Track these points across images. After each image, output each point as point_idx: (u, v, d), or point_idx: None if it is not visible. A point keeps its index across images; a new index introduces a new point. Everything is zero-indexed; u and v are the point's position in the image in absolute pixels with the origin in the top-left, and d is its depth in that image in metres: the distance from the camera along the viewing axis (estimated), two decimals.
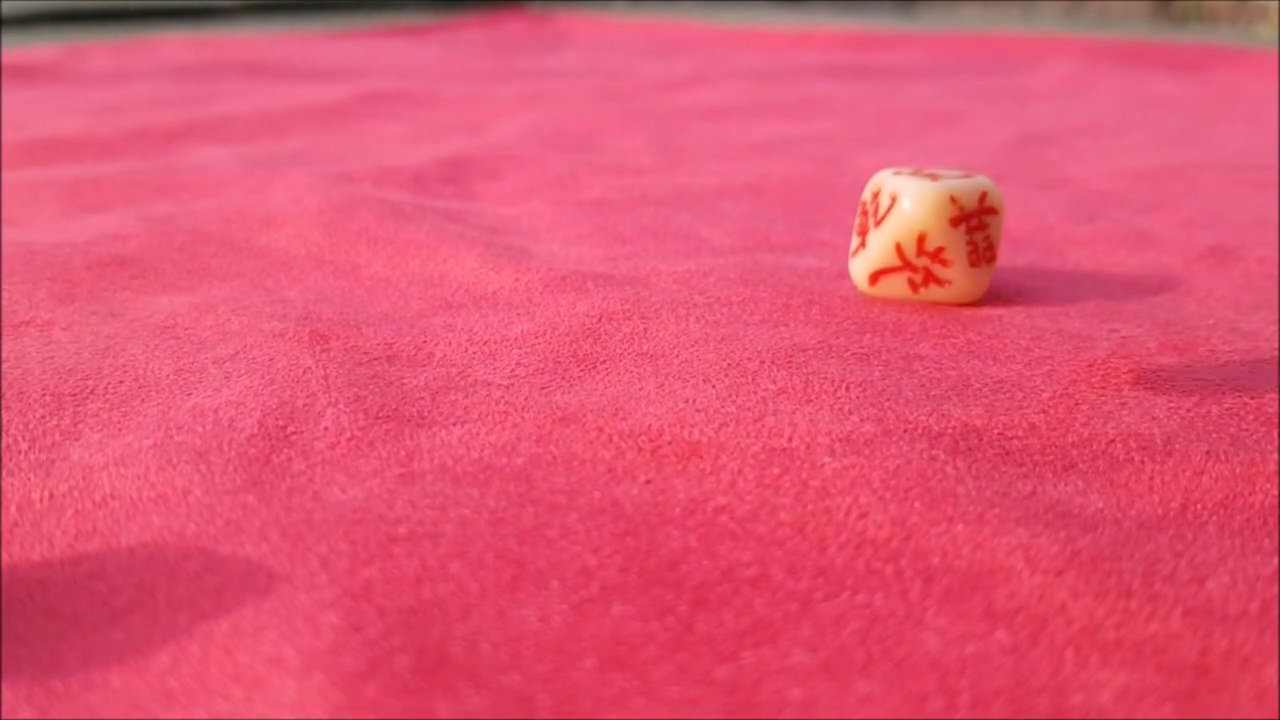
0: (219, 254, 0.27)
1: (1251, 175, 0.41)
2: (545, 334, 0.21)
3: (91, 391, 0.19)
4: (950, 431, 0.17)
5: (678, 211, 0.32)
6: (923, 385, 0.19)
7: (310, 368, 0.20)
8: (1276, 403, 0.18)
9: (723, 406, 0.18)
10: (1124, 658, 0.12)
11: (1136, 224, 0.32)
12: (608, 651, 0.12)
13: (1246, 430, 0.18)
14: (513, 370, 0.20)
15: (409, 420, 0.18)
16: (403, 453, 0.17)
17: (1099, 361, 0.20)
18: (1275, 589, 0.13)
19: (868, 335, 0.21)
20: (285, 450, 0.17)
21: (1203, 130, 0.52)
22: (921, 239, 0.23)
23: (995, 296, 0.25)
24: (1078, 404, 0.18)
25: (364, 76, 0.63)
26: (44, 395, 0.19)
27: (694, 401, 0.18)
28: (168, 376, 0.20)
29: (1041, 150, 0.45)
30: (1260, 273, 0.27)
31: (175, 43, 0.79)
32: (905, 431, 0.17)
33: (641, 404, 0.18)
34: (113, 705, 0.12)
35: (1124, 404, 0.18)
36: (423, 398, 0.19)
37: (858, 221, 0.24)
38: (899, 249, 0.23)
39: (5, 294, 0.24)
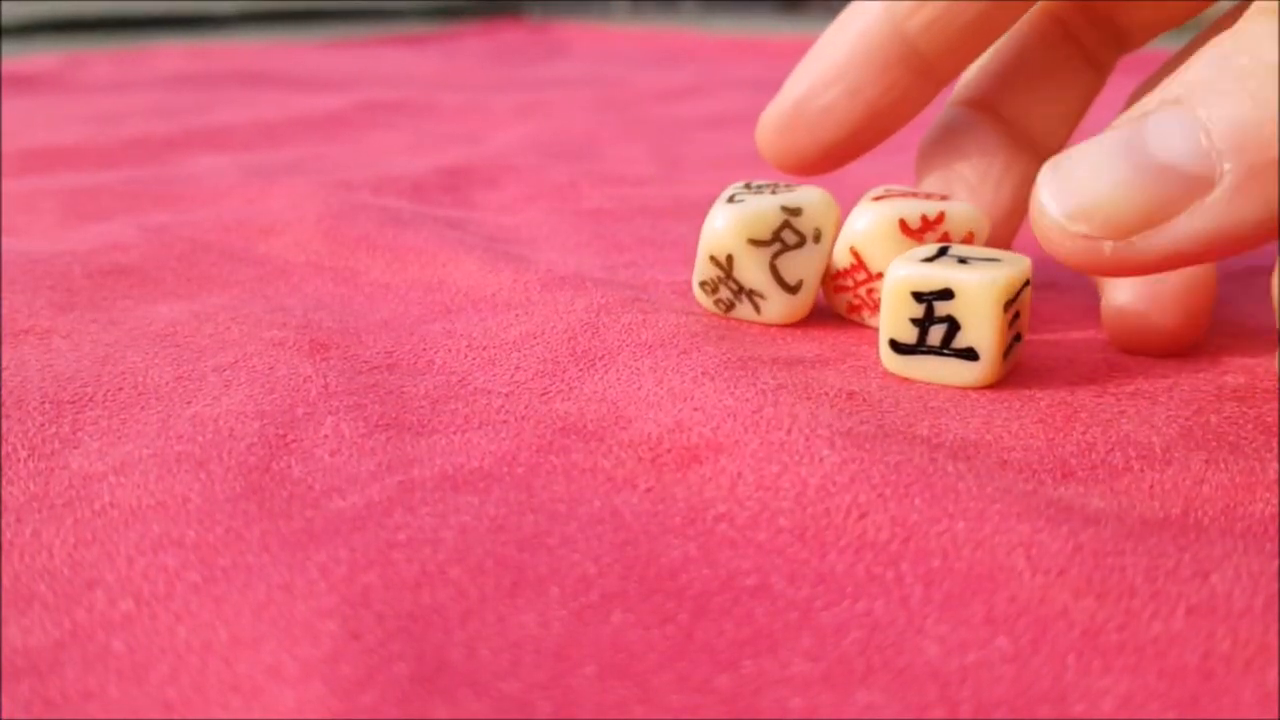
0: (218, 262, 0.27)
1: None
2: (543, 332, 0.21)
3: (91, 399, 0.19)
4: (949, 442, 0.17)
5: (677, 222, 0.32)
6: (920, 396, 0.19)
7: (310, 376, 0.20)
8: (1276, 410, 0.18)
9: (722, 400, 0.18)
10: (1126, 662, 0.12)
11: None
12: (608, 659, 0.12)
13: (1246, 438, 0.18)
14: (512, 376, 0.20)
15: (409, 428, 0.18)
16: (403, 460, 0.17)
17: (1097, 369, 0.20)
18: (1279, 586, 0.13)
19: (864, 347, 0.21)
20: (285, 458, 0.17)
21: None
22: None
23: None
24: (1076, 412, 0.18)
25: (362, 86, 0.63)
26: (43, 403, 0.19)
27: (693, 399, 0.18)
28: (167, 384, 0.20)
29: None
30: (1259, 282, 0.27)
31: (174, 52, 0.79)
32: (904, 435, 0.17)
33: (641, 407, 0.18)
34: (111, 715, 0.12)
35: (1123, 412, 0.18)
36: (423, 406, 0.19)
37: None
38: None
39: (5, 302, 0.24)
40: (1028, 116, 0.24)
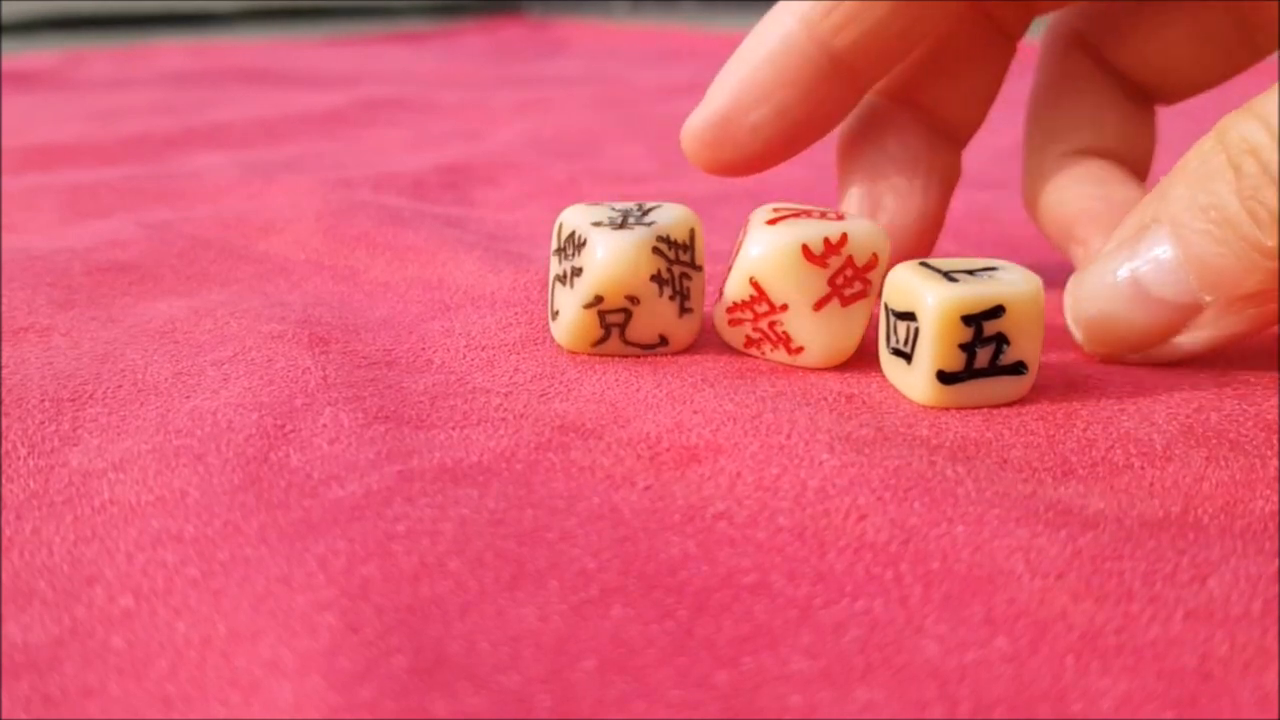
0: (218, 260, 0.27)
1: None
2: (543, 332, 0.21)
3: (90, 396, 0.19)
4: (949, 443, 0.17)
5: None
6: None
7: (309, 368, 0.20)
8: (1276, 408, 0.18)
9: (721, 405, 0.18)
10: (1124, 664, 0.12)
11: None
12: (607, 653, 0.12)
13: (1247, 435, 0.18)
14: (511, 377, 0.20)
15: (408, 421, 0.18)
16: (401, 450, 0.17)
17: (1096, 365, 0.20)
18: (1277, 589, 0.13)
19: (862, 350, 0.21)
20: (283, 447, 0.17)
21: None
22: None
23: None
24: (1076, 409, 0.18)
25: (362, 83, 0.63)
26: (43, 401, 0.19)
27: (692, 402, 0.18)
28: (166, 380, 0.20)
29: None
30: None
31: (174, 49, 0.79)
32: (904, 438, 0.17)
33: (639, 408, 0.18)
34: (110, 713, 0.12)
35: (1123, 409, 0.18)
36: (421, 401, 0.19)
37: None
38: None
39: (4, 300, 0.24)
40: (945, 101, 0.24)
